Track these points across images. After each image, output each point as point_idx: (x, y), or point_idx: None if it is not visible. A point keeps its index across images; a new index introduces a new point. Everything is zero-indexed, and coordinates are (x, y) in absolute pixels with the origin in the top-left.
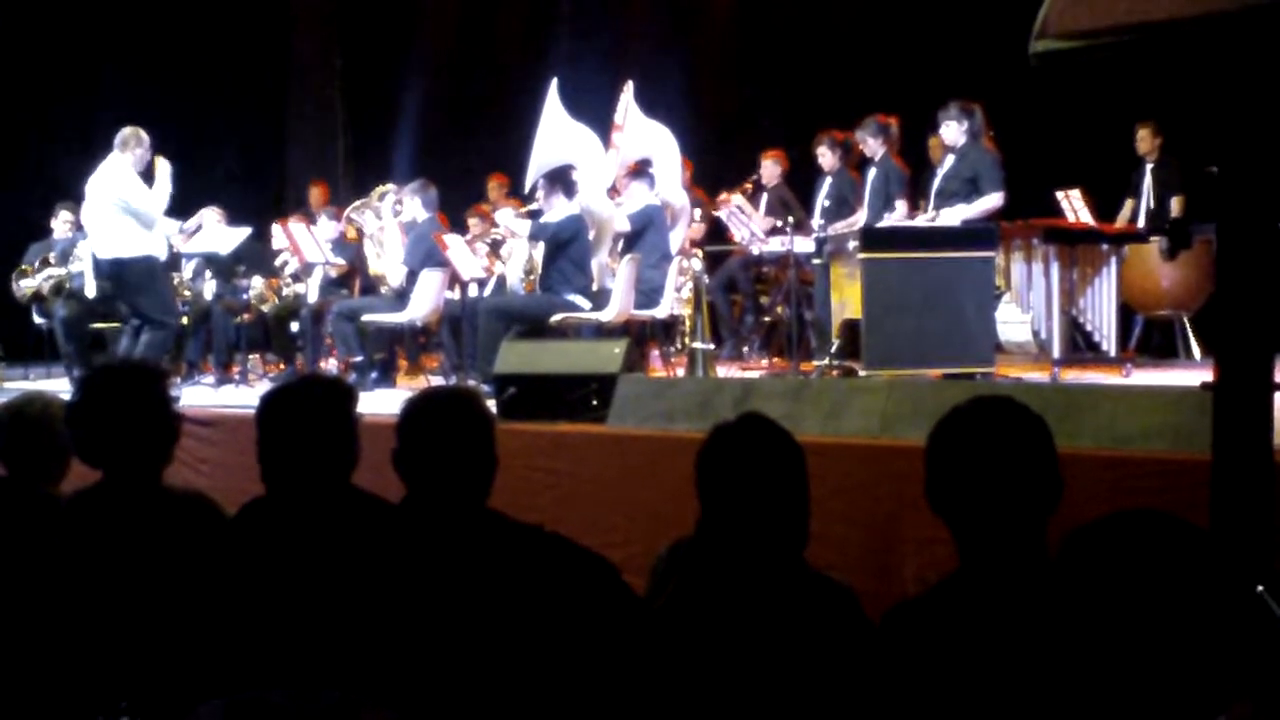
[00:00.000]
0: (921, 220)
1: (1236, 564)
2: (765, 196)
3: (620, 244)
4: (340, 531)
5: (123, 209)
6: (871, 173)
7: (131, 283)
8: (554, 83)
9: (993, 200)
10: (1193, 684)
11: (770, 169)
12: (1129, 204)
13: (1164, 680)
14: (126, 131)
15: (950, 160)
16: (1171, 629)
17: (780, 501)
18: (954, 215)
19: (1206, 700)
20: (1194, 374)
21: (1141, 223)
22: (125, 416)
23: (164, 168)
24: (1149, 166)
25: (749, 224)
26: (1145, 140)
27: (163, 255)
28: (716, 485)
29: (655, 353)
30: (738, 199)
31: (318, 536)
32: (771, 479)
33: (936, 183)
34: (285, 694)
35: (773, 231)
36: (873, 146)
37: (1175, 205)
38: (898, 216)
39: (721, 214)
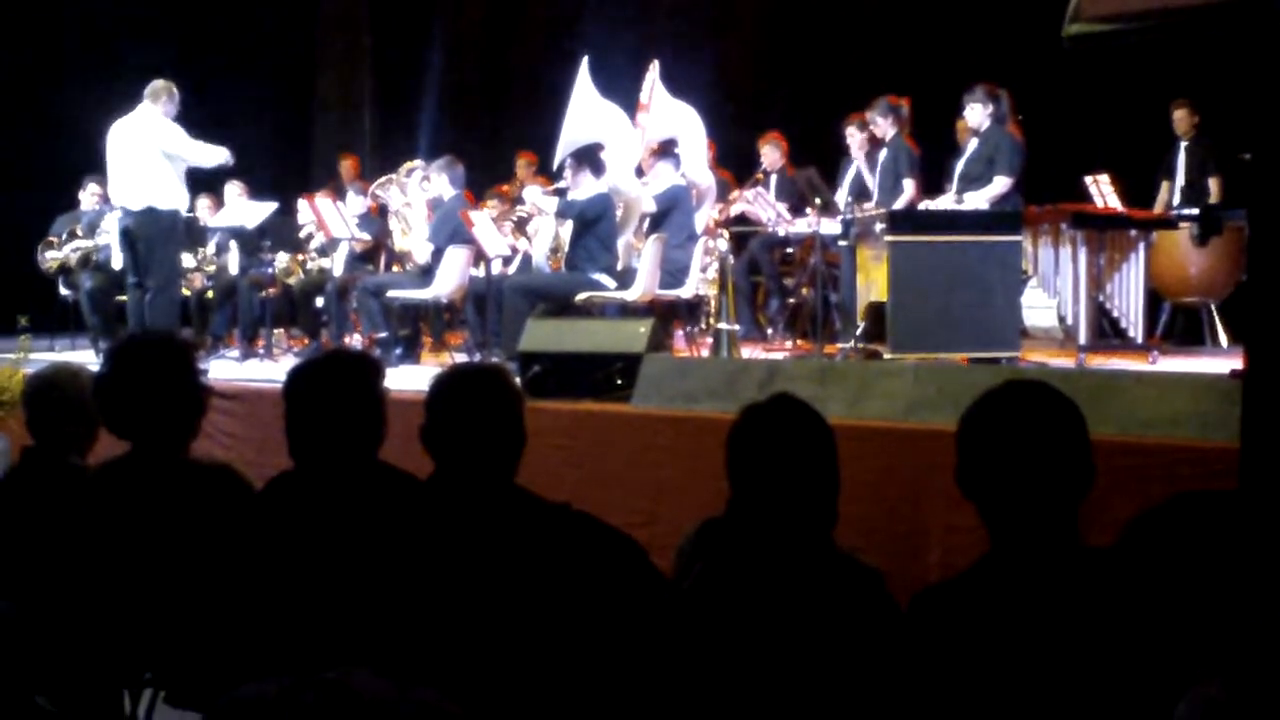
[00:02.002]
0: (944, 203)
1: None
2: (773, 182)
3: (646, 224)
4: (367, 506)
5: (162, 159)
6: (883, 154)
7: (159, 234)
8: (585, 61)
9: (999, 185)
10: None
11: (770, 154)
12: (1165, 186)
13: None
14: (159, 83)
15: (974, 143)
16: (1222, 607)
17: (810, 482)
18: (976, 199)
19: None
20: (1221, 361)
21: (1176, 202)
22: (153, 388)
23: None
24: (1183, 145)
25: (774, 204)
26: (1182, 120)
27: (184, 211)
28: (747, 465)
29: (680, 333)
30: (751, 193)
31: (345, 511)
32: (802, 460)
33: (960, 166)
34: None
35: (792, 213)
36: (883, 127)
37: (1214, 186)
38: (906, 198)
39: (747, 195)
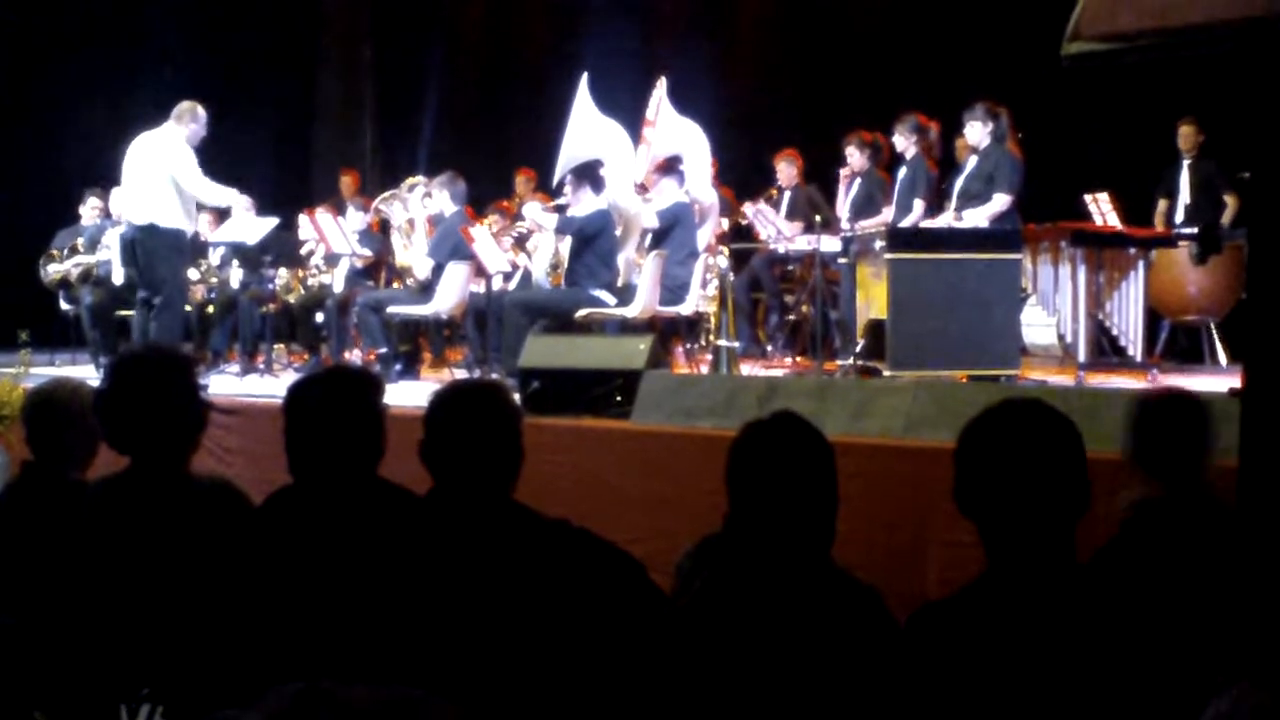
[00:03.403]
0: (943, 221)
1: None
2: (786, 199)
3: (647, 240)
4: (366, 522)
5: (169, 180)
6: (901, 171)
7: (159, 251)
8: (584, 78)
9: (999, 202)
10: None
11: (785, 170)
12: (1163, 203)
13: (1188, 668)
14: (185, 105)
15: (973, 161)
16: (1208, 619)
17: (810, 500)
18: (975, 217)
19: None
20: (1220, 380)
21: (1179, 220)
22: (154, 404)
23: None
24: (1186, 163)
25: (774, 222)
26: (1187, 137)
27: (190, 231)
28: (747, 482)
29: (680, 349)
30: (759, 206)
31: (344, 527)
32: (802, 477)
33: (959, 183)
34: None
35: (804, 232)
36: (905, 144)
37: (1230, 203)
38: (914, 217)
39: (748, 211)
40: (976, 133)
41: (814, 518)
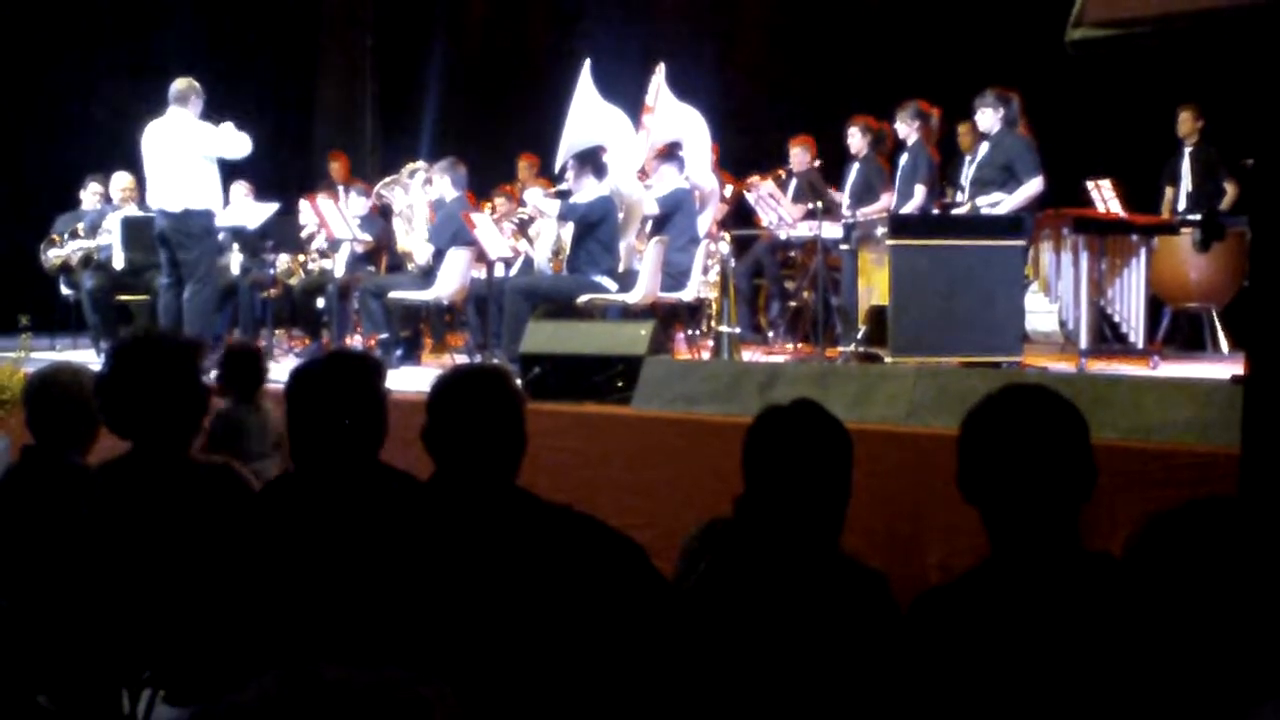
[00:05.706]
0: (1000, 206)
1: None
2: (794, 183)
3: (648, 226)
4: (368, 507)
5: (198, 162)
6: (904, 158)
7: (195, 234)
8: (587, 64)
9: (1033, 186)
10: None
11: (799, 155)
12: (1169, 191)
13: (1220, 669)
14: (182, 85)
15: (985, 148)
16: (1240, 615)
17: (826, 487)
18: (996, 205)
19: (1254, 687)
20: (1222, 367)
21: (1181, 207)
22: (155, 388)
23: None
24: (1188, 150)
25: (778, 208)
26: (1186, 123)
27: (220, 209)
28: (764, 468)
29: (681, 335)
30: (768, 185)
31: (345, 511)
32: (820, 464)
33: (970, 171)
34: (343, 668)
35: (807, 216)
36: (907, 130)
37: (1230, 190)
38: (915, 203)
39: (750, 197)
40: (988, 119)
41: (828, 504)
